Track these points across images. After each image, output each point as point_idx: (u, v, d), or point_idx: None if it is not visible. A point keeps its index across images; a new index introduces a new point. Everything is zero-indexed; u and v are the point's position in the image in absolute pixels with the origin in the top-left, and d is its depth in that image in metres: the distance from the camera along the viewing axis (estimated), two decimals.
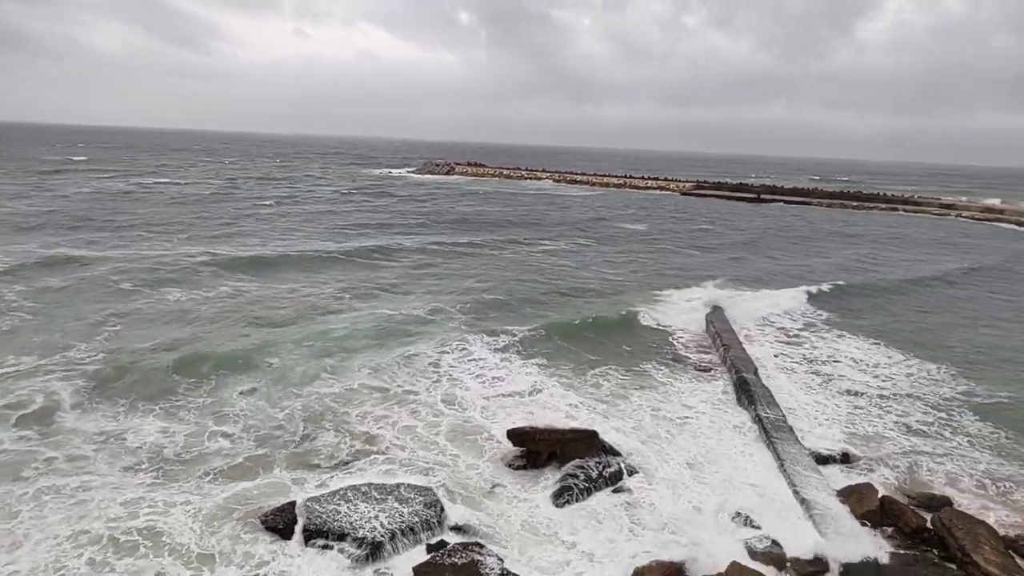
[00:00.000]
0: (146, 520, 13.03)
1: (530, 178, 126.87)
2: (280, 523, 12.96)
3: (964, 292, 39.98)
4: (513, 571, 11.94)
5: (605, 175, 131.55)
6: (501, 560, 12.18)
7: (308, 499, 13.58)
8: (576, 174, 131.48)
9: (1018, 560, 12.98)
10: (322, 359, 22.11)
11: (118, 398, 18.60)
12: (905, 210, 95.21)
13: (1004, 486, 16.36)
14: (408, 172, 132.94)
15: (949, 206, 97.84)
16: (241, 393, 19.28)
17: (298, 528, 12.88)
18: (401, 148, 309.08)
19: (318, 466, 15.62)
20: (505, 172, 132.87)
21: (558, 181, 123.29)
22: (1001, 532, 13.89)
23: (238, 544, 12.48)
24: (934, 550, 13.36)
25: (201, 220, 52.77)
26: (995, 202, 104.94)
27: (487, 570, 11.77)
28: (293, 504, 13.45)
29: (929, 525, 13.92)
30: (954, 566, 12.77)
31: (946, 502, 15.18)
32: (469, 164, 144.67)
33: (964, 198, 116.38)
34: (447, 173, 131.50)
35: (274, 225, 52.18)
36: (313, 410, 18.41)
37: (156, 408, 18.16)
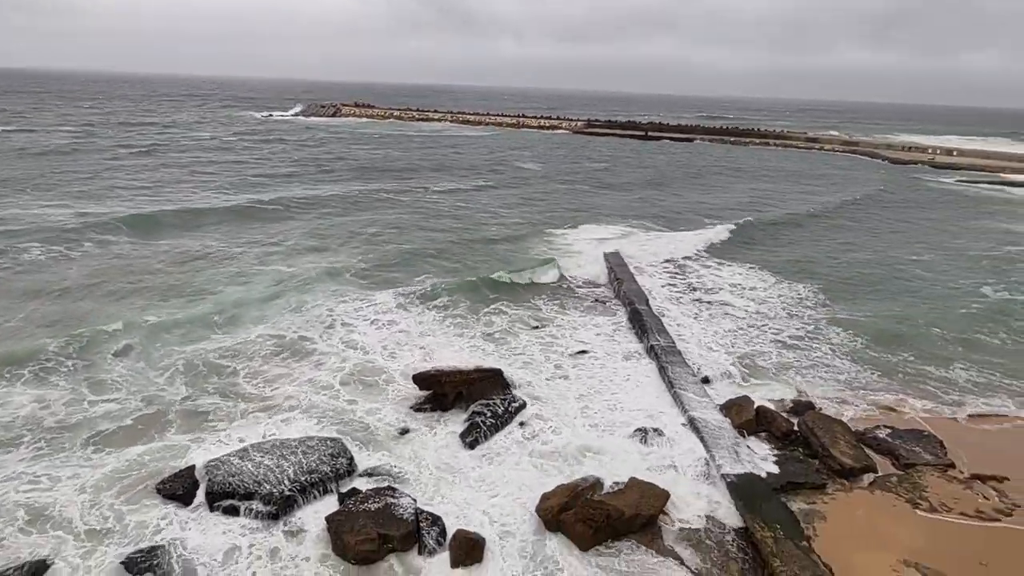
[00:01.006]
0: (27, 496, 12.19)
1: (423, 119, 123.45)
2: (179, 489, 12.51)
3: (835, 223, 43.41)
4: (427, 510, 12.29)
5: (499, 115, 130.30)
6: (415, 500, 12.49)
7: (209, 461, 13.15)
8: (470, 114, 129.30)
9: (867, 451, 14.95)
10: (209, 316, 20.99)
11: None
12: (776, 144, 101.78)
13: (858, 387, 18.62)
14: (292, 115, 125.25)
15: (813, 140, 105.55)
16: (115, 355, 17.99)
17: (200, 492, 12.51)
18: (279, 89, 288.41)
19: (215, 426, 15.08)
20: (396, 113, 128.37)
21: (452, 122, 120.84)
22: (854, 428, 15.90)
23: (133, 515, 11.94)
24: (800, 449, 15.10)
25: (60, 173, 47.25)
26: (852, 136, 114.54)
27: (402, 511, 12.03)
28: (192, 468, 13.00)
29: (796, 428, 15.68)
30: (817, 461, 14.53)
31: (810, 406, 17.09)
32: (357, 105, 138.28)
33: (834, 132, 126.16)
34: (333, 115, 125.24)
35: (149, 178, 47.55)
36: (201, 369, 17.61)
37: (24, 373, 16.70)
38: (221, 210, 37.03)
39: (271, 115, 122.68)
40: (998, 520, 12.91)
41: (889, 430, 15.95)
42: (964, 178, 70.07)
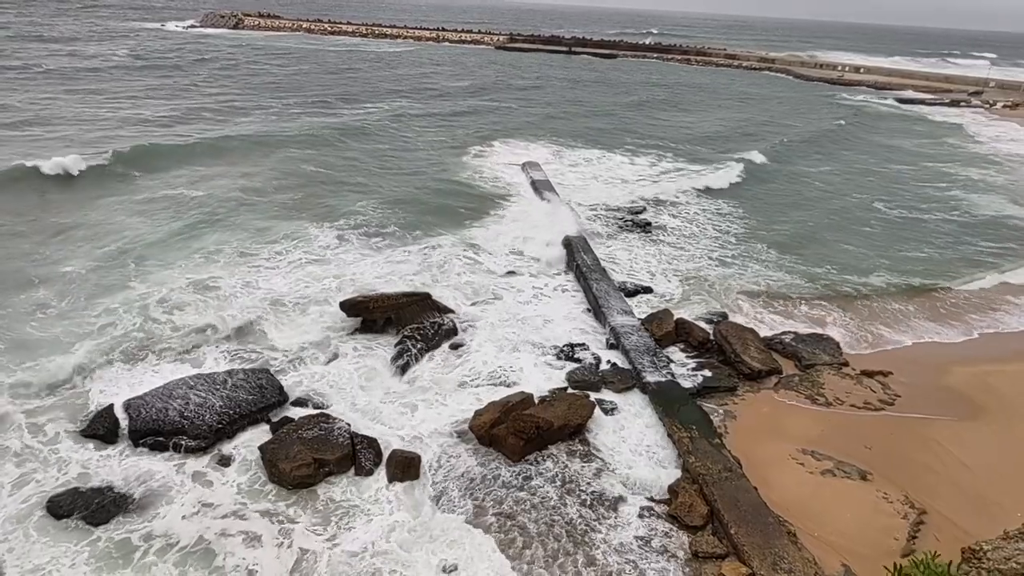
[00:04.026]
0: None
1: (335, 32, 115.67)
2: (100, 429, 12.05)
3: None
4: (362, 433, 12.47)
5: (417, 28, 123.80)
6: (348, 425, 12.61)
7: (130, 399, 12.72)
8: (386, 27, 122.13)
9: (774, 355, 16.18)
10: (122, 259, 19.55)
11: None
12: (697, 61, 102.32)
13: (771, 298, 19.91)
14: (188, 26, 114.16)
15: (732, 56, 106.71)
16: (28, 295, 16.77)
17: (123, 430, 12.16)
18: None
19: (133, 362, 14.46)
20: (305, 25, 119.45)
21: (368, 36, 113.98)
22: (763, 334, 17.10)
23: (52, 454, 11.51)
24: (715, 356, 16.15)
25: None
26: (768, 53, 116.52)
27: (336, 436, 12.16)
28: (111, 407, 12.53)
29: (711, 337, 16.70)
30: (729, 366, 15.62)
31: (723, 316, 18.17)
32: (260, 15, 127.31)
33: (773, 52, 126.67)
34: (235, 27, 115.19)
35: (29, 115, 40.34)
36: (114, 307, 16.57)
37: None
38: (132, 152, 30.91)
39: (162, 26, 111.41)
40: (882, 409, 14.47)
41: (793, 335, 17.28)
42: (899, 98, 72.54)
